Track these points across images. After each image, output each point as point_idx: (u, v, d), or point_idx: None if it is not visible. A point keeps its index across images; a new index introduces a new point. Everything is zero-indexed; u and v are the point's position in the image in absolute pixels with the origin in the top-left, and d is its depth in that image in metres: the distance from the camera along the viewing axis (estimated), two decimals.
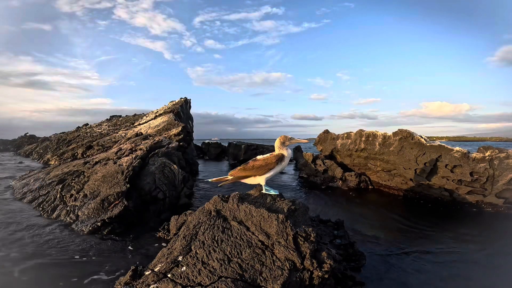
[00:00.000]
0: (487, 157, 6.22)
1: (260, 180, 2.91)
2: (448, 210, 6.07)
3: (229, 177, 2.95)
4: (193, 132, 15.17)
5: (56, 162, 10.97)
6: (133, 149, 7.26)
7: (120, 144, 9.42)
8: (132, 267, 2.54)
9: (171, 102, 16.94)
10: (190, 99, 17.17)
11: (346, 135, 9.29)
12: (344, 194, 7.56)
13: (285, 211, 2.60)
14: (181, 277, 2.24)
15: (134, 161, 6.00)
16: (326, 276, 2.37)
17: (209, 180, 3.15)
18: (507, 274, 3.34)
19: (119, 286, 2.47)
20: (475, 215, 5.76)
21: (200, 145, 21.31)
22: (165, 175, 6.02)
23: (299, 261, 2.30)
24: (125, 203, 4.73)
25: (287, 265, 2.27)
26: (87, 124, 20.44)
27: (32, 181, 6.64)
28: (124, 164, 5.86)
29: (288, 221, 2.45)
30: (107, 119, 20.73)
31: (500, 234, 4.64)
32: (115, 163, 6.09)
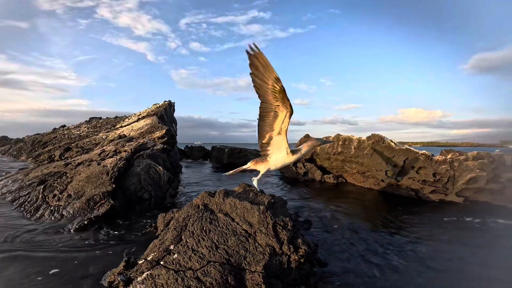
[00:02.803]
0: (448, 159, 6.93)
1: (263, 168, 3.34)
2: (413, 207, 6.62)
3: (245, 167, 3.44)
4: (176, 135, 15.19)
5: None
6: (117, 150, 7.31)
7: (103, 146, 9.34)
8: (125, 258, 2.71)
9: (155, 105, 16.86)
10: (174, 102, 17.20)
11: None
12: (322, 192, 7.97)
13: (266, 203, 2.93)
14: (173, 264, 2.47)
15: (119, 162, 6.09)
16: (302, 260, 2.71)
17: (226, 174, 3.65)
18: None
19: (112, 276, 2.64)
20: (436, 210, 6.33)
21: (183, 148, 21.23)
22: (150, 176, 6.15)
23: (278, 246, 2.62)
24: (111, 202, 4.85)
25: (268, 250, 2.58)
26: (64, 126, 19.74)
27: (10, 182, 6.50)
28: (108, 165, 5.94)
29: (268, 211, 2.78)
30: (86, 121, 20.14)
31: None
32: (99, 164, 6.13)
